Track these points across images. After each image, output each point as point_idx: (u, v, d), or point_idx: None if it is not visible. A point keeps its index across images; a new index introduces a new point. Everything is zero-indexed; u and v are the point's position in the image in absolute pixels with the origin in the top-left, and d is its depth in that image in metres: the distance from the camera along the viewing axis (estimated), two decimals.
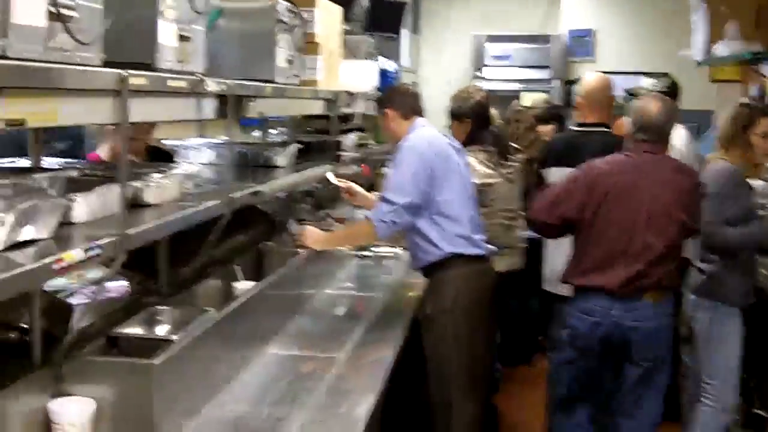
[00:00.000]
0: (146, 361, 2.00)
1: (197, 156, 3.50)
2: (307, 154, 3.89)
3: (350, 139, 4.50)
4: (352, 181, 3.74)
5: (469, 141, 3.84)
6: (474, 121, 3.94)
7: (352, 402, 2.44)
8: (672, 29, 7.13)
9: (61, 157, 3.37)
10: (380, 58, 5.26)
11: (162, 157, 3.49)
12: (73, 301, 2.35)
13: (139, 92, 1.87)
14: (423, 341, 3.15)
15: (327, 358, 2.80)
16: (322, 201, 4.71)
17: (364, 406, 2.42)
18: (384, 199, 3.03)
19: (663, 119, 3.09)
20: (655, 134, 3.08)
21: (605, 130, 3.83)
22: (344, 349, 2.92)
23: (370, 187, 5.60)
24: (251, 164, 3.46)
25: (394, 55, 6.08)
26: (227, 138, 3.62)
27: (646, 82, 5.14)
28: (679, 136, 4.19)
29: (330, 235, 3.35)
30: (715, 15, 5.14)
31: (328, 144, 3.99)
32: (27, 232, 1.67)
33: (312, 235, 3.26)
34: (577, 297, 3.12)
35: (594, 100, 3.86)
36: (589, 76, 4.02)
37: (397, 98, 3.29)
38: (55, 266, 1.59)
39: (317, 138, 4.20)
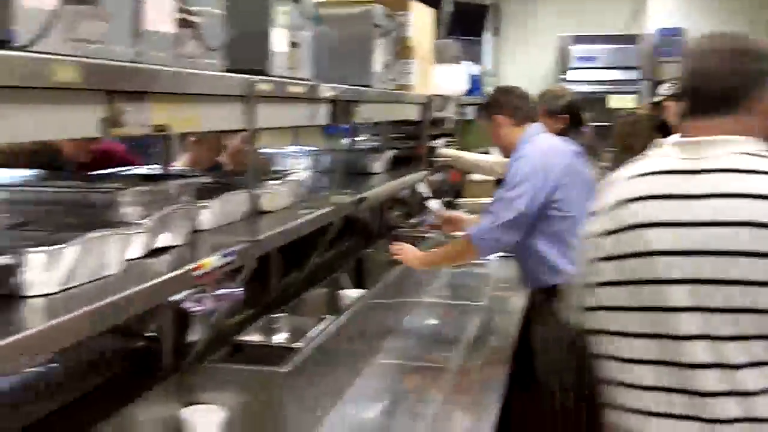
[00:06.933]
0: (276, 369, 1.98)
1: (294, 164, 3.49)
2: (399, 161, 3.85)
3: (440, 145, 4.45)
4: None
5: None
6: (569, 118, 3.80)
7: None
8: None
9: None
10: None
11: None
12: (192, 308, 2.36)
13: (263, 98, 1.87)
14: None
15: (436, 368, 2.72)
16: (412, 209, 4.67)
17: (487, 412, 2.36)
18: (486, 215, 2.80)
19: None
20: None
21: None
22: (452, 361, 2.80)
23: (458, 194, 5.57)
24: (348, 171, 3.43)
25: (475, 59, 6.01)
26: (316, 146, 3.66)
27: None
28: None
29: (428, 255, 3.08)
30: None
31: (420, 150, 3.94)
32: (164, 239, 1.67)
33: (409, 253, 3.03)
34: None
35: None
36: None
37: (506, 102, 3.02)
38: (196, 272, 1.59)
39: (410, 144, 4.17)
